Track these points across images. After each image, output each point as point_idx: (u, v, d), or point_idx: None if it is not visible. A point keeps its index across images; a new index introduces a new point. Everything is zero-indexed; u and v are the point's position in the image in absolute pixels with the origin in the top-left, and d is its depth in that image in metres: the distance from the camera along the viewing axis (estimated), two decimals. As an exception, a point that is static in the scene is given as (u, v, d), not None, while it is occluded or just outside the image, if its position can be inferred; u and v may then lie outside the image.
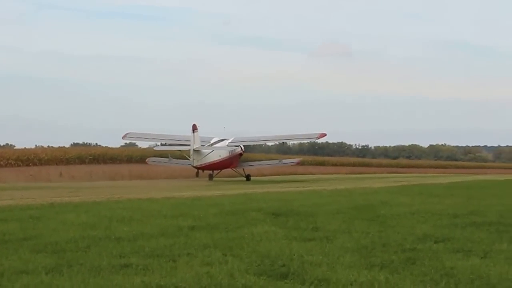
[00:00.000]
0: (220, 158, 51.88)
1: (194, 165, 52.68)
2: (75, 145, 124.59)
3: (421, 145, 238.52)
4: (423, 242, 15.62)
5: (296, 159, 70.62)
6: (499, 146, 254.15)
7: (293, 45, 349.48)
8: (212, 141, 54.87)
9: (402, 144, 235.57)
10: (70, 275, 11.60)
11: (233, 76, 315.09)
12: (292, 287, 10.75)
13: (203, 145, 52.65)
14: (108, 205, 25.72)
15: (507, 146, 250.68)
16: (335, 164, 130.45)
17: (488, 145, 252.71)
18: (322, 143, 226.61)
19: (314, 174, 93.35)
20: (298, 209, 23.68)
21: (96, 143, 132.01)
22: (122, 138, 61.94)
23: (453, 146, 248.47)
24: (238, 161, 55.88)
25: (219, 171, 55.81)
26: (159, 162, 61.20)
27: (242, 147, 57.23)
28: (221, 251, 14.05)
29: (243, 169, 57.17)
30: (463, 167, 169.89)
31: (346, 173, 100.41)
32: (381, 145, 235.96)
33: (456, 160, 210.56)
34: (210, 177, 56.37)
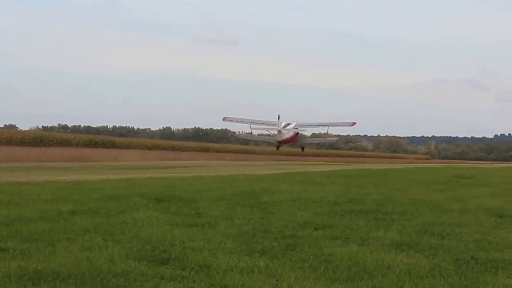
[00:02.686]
0: (290, 136, 73.13)
1: (278, 140, 74.43)
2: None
3: (304, 133, 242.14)
4: (303, 229, 15.88)
5: (335, 138, 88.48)
6: (378, 136, 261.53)
7: (178, 30, 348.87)
8: (282, 124, 74.58)
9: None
10: None
11: (116, 60, 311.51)
12: (172, 273, 10.72)
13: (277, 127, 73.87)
14: (-15, 188, 24.93)
15: (386, 136, 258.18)
16: (219, 151, 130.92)
17: (368, 135, 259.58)
18: (206, 129, 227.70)
19: (198, 160, 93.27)
20: (181, 194, 23.65)
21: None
22: (223, 120, 79.17)
23: (335, 135, 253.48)
24: (297, 138, 77.05)
25: (286, 144, 78.04)
26: (243, 136, 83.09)
27: (298, 129, 77.98)
28: (102, 236, 13.88)
29: (300, 143, 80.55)
30: (344, 155, 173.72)
31: (230, 160, 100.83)
32: (265, 132, 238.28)
33: (337, 149, 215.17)
34: (278, 148, 78.94)
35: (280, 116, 76.43)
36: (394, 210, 20.44)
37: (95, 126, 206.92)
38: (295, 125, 77.76)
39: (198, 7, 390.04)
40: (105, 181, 31.43)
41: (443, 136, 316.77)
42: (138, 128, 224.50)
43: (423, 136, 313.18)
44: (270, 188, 28.12)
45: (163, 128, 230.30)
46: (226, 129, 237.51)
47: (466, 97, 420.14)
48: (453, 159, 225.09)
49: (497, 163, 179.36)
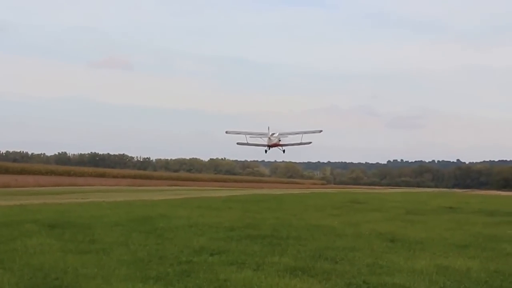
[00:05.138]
0: (275, 142, 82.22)
1: (268, 144, 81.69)
2: None
3: (201, 158, 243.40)
4: (199, 254, 15.85)
5: (309, 142, 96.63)
6: (275, 161, 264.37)
7: (72, 55, 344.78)
8: (270, 133, 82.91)
9: (183, 157, 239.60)
10: None
11: (10, 84, 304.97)
12: (64, 301, 10.54)
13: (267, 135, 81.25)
14: None
15: (282, 161, 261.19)
16: (115, 176, 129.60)
17: (266, 160, 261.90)
18: (103, 154, 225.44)
19: (94, 185, 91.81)
20: (75, 220, 23.25)
21: None
22: (225, 133, 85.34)
23: (232, 161, 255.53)
24: (280, 143, 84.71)
25: (273, 147, 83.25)
26: (242, 143, 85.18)
27: (280, 137, 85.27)
28: (-9, 264, 13.51)
29: (282, 146, 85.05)
30: (242, 181, 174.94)
31: (127, 185, 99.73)
32: (162, 158, 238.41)
33: (235, 174, 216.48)
34: (266, 151, 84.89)
35: (269, 128, 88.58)
36: (289, 235, 20.63)
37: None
38: (278, 134, 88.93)
39: (92, 32, 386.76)
40: (-4, 208, 30.59)
41: (338, 162, 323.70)
42: (32, 153, 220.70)
43: (319, 162, 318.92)
44: (167, 213, 27.96)
45: (59, 153, 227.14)
46: (123, 154, 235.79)
47: (359, 123, 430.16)
48: (348, 184, 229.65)
49: (390, 188, 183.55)
